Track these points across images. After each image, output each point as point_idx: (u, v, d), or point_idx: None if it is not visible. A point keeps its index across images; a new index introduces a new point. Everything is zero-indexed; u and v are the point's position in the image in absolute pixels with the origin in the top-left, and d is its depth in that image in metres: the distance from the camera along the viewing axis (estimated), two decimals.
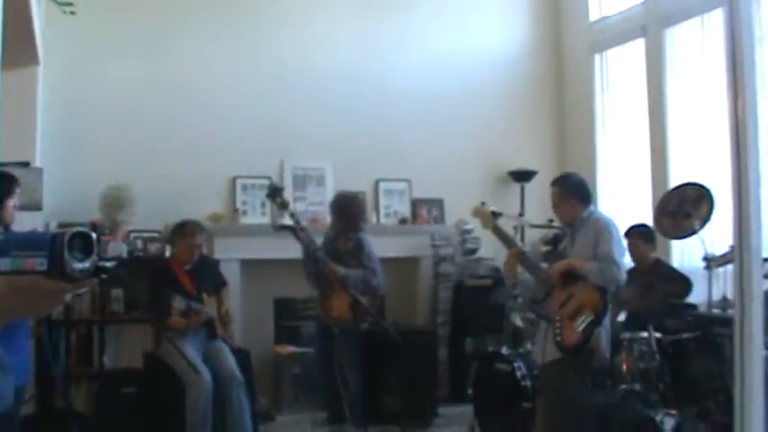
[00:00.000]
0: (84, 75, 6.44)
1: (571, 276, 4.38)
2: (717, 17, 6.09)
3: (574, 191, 4.64)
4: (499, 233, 4.73)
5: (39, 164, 5.89)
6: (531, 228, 6.46)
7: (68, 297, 1.43)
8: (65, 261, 1.37)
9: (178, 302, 5.23)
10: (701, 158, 6.31)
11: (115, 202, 6.18)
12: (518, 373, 5.28)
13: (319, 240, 5.68)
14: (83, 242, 1.41)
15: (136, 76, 6.59)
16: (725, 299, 5.21)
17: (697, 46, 6.42)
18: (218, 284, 5.71)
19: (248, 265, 6.65)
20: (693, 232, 5.29)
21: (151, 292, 5.41)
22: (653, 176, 6.83)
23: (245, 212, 6.86)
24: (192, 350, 5.25)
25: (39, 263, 1.36)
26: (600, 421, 4.53)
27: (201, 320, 5.39)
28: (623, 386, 4.77)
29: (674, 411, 4.52)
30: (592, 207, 4.71)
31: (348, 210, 5.78)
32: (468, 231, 7.21)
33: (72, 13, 5.96)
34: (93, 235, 1.45)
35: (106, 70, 6.50)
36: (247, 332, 6.41)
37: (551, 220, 5.71)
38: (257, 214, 6.88)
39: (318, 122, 7.09)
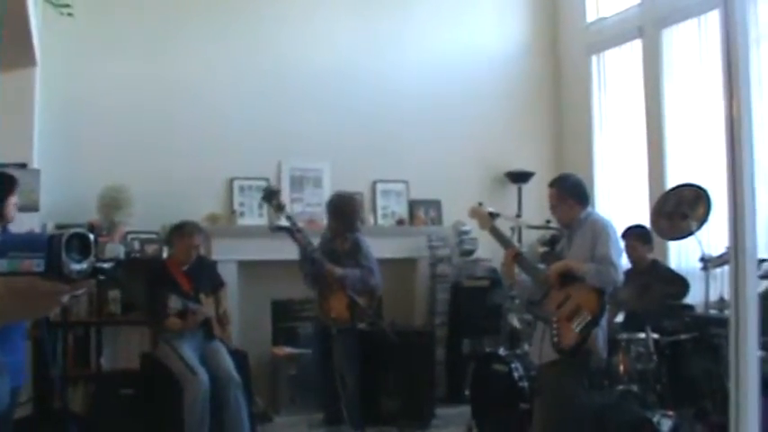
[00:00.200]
0: (81, 76, 6.44)
1: (568, 277, 4.38)
2: (713, 18, 6.10)
3: (571, 192, 4.65)
4: (496, 234, 4.73)
5: (36, 165, 5.89)
6: (529, 229, 6.47)
7: (66, 298, 1.44)
8: (62, 262, 1.37)
9: (174, 303, 5.24)
10: (698, 159, 6.32)
11: (112, 202, 6.17)
12: (515, 374, 5.28)
13: (316, 241, 5.68)
14: (80, 243, 1.41)
15: (133, 77, 6.59)
16: (722, 300, 5.22)
17: (694, 47, 6.43)
18: (215, 285, 5.71)
19: (245, 267, 6.65)
20: (690, 233, 5.30)
21: (148, 293, 5.41)
22: (650, 177, 6.84)
23: (242, 213, 6.86)
24: (189, 351, 5.25)
25: (36, 264, 1.36)
26: (597, 422, 4.53)
27: (198, 321, 5.39)
28: (620, 387, 4.77)
29: (671, 412, 4.53)
30: (589, 208, 4.71)
31: (344, 210, 5.77)
32: (466, 232, 7.22)
33: (69, 14, 5.95)
34: (91, 236, 1.45)
35: (103, 71, 6.50)
36: (245, 333, 6.41)
37: (548, 221, 5.72)
38: (254, 215, 6.88)
39: (316, 123, 7.09)
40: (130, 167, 6.38)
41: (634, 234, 5.61)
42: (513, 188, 7.65)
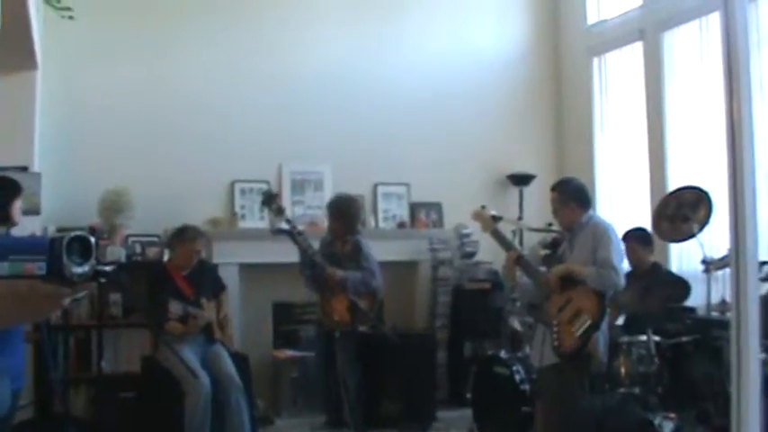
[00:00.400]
0: (82, 79, 6.45)
1: (570, 281, 4.38)
2: (714, 21, 6.10)
3: (574, 196, 4.65)
4: (498, 237, 4.73)
5: (37, 168, 5.90)
6: (530, 231, 6.47)
7: (67, 301, 1.44)
8: (63, 265, 1.37)
9: (175, 308, 5.24)
10: (700, 162, 6.32)
11: (114, 206, 6.17)
12: (517, 377, 5.28)
13: (318, 245, 5.68)
14: (81, 246, 1.41)
15: (134, 80, 6.60)
16: (723, 302, 5.20)
17: (695, 49, 6.43)
18: (217, 289, 5.71)
19: (247, 270, 6.65)
20: (692, 235, 5.29)
21: (149, 297, 5.41)
22: (651, 180, 6.83)
23: (243, 216, 6.86)
24: (190, 354, 5.24)
25: (37, 267, 1.37)
26: (598, 425, 4.53)
27: (200, 325, 5.39)
28: (622, 390, 4.77)
29: (672, 415, 4.52)
30: (591, 212, 4.72)
31: (345, 212, 5.77)
32: (467, 235, 7.22)
33: (70, 17, 5.97)
34: (92, 239, 1.45)
35: (104, 74, 6.51)
36: (246, 336, 6.41)
37: (550, 224, 5.72)
38: (256, 218, 6.88)
39: (317, 126, 7.09)
40: (131, 170, 6.39)
41: (634, 237, 5.61)
42: (515, 191, 7.65)
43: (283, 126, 7.00)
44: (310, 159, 7.13)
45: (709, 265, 5.22)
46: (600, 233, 4.47)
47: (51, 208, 5.98)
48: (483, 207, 4.91)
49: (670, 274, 5.76)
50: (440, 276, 7.28)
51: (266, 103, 6.99)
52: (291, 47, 7.13)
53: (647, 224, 5.81)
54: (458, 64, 7.74)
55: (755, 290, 1.78)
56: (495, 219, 4.78)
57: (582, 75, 7.73)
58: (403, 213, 7.44)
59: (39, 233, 5.60)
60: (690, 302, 5.40)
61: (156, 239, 6.40)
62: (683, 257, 6.29)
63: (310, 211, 7.03)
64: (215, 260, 6.36)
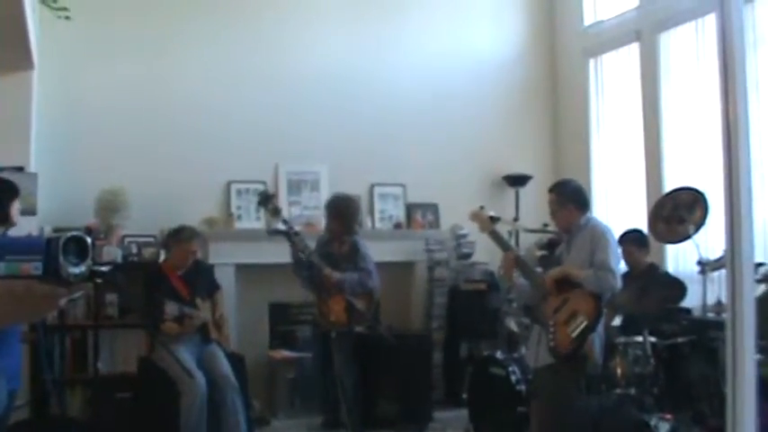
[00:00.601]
0: (78, 79, 6.44)
1: (566, 283, 4.39)
2: (710, 22, 6.11)
3: (572, 197, 4.65)
4: (496, 237, 4.73)
5: (33, 168, 5.89)
6: (526, 232, 6.47)
7: (63, 301, 1.44)
8: (60, 265, 1.37)
9: (171, 309, 5.23)
10: (696, 163, 6.33)
11: (110, 205, 6.16)
12: (513, 378, 5.28)
13: (313, 245, 5.67)
14: (78, 246, 1.41)
15: (130, 80, 6.59)
16: (719, 303, 5.21)
17: (691, 50, 6.44)
18: (211, 289, 5.71)
19: (243, 270, 6.64)
20: (688, 237, 5.30)
21: (145, 297, 5.40)
22: (647, 181, 6.85)
23: (239, 217, 6.86)
24: (186, 355, 5.24)
25: (34, 267, 1.37)
26: (594, 426, 4.53)
27: (196, 326, 5.39)
28: (618, 391, 4.77)
29: (668, 416, 4.52)
30: (589, 214, 4.72)
31: (344, 212, 5.76)
32: (463, 236, 7.22)
33: (67, 18, 5.96)
34: (88, 239, 1.45)
35: (100, 74, 6.50)
36: (242, 336, 6.40)
37: (546, 225, 5.72)
38: (252, 219, 6.88)
39: (313, 127, 7.09)
40: (128, 171, 6.38)
41: (630, 238, 5.62)
42: (511, 191, 7.65)
43: (280, 126, 7.00)
44: (307, 160, 7.13)
45: (705, 267, 5.23)
46: (598, 235, 4.47)
47: (48, 208, 5.97)
48: (481, 207, 4.91)
49: (666, 275, 5.77)
50: (436, 277, 7.28)
51: (263, 104, 6.99)
52: (288, 47, 7.12)
53: (643, 225, 5.82)
54: (455, 65, 7.74)
55: (751, 291, 1.78)
56: (494, 219, 4.77)
57: (578, 76, 7.74)
58: (399, 214, 7.44)
59: (35, 233, 5.59)
60: (686, 303, 5.41)
61: (152, 240, 6.39)
62: (679, 258, 6.30)
63: (307, 211, 7.03)
64: (211, 260, 6.36)
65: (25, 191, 5.07)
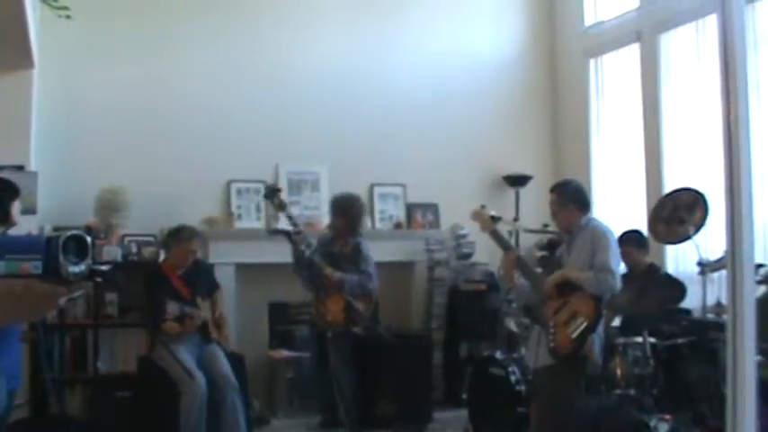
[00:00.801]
0: (78, 78, 6.44)
1: (567, 286, 4.39)
2: (711, 23, 6.11)
3: (573, 197, 4.65)
4: (497, 237, 4.73)
5: (33, 167, 5.89)
6: (526, 232, 6.47)
7: (63, 300, 1.44)
8: (60, 264, 1.37)
9: (172, 308, 5.23)
10: (696, 164, 6.33)
11: (110, 205, 6.16)
12: (512, 378, 5.28)
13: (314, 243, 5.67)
14: (78, 245, 1.41)
15: (130, 79, 6.59)
16: (719, 304, 5.21)
17: (691, 51, 6.44)
18: (211, 288, 5.71)
19: (243, 270, 6.64)
20: (688, 237, 5.30)
21: (145, 297, 5.40)
22: (647, 181, 6.84)
23: (239, 216, 6.85)
24: (186, 354, 5.24)
25: (34, 266, 1.37)
26: (594, 426, 4.53)
27: (196, 325, 5.39)
28: (618, 391, 4.76)
29: (668, 416, 4.52)
30: (590, 215, 4.72)
31: (349, 210, 5.76)
32: (463, 236, 7.22)
33: (67, 17, 5.96)
34: (88, 238, 1.45)
35: (101, 74, 6.50)
36: (242, 336, 6.40)
37: (546, 225, 5.72)
38: (252, 218, 6.88)
39: (313, 127, 7.09)
40: (128, 170, 6.38)
41: (629, 240, 5.60)
42: (511, 192, 7.65)
43: (280, 126, 7.00)
44: (307, 159, 7.12)
45: (705, 267, 5.23)
46: (598, 237, 4.47)
47: (48, 207, 5.97)
48: (483, 207, 4.91)
49: (666, 275, 5.76)
50: (436, 277, 7.28)
51: (263, 103, 6.99)
52: (288, 47, 7.12)
53: (643, 226, 5.82)
54: (454, 64, 7.74)
55: (751, 292, 1.78)
56: (495, 219, 4.77)
57: (578, 76, 7.73)
58: (399, 214, 7.43)
59: (35, 232, 5.59)
60: (685, 304, 5.40)
61: (152, 239, 6.39)
62: (679, 259, 6.29)
63: (307, 211, 7.02)
64: (211, 260, 6.36)
65: (25, 190, 5.07)
